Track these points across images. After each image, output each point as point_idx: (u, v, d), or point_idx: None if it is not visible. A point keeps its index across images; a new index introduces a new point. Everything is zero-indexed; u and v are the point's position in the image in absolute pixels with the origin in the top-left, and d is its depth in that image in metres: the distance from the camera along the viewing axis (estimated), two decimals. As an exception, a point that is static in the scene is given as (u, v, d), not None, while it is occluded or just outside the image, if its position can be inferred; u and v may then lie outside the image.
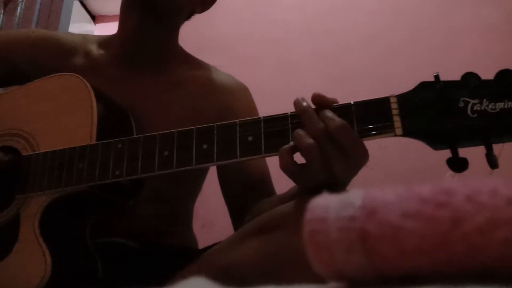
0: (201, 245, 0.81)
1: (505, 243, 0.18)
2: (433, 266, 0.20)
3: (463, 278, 0.19)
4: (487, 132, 0.47)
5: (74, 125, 0.66)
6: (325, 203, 0.22)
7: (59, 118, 0.68)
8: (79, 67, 0.81)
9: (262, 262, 0.52)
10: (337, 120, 0.50)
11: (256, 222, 0.58)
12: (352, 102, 0.52)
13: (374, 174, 1.09)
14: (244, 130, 0.55)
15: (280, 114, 0.55)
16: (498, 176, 0.21)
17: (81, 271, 0.64)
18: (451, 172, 0.48)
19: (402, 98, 0.51)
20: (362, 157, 0.51)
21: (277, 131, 0.54)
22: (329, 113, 0.51)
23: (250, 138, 0.55)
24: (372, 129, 0.51)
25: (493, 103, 0.47)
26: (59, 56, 0.83)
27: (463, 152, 0.48)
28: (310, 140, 0.50)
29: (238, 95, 0.87)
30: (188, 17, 0.86)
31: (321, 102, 0.53)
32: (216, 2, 0.88)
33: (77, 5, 2.79)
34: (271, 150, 0.54)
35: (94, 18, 3.10)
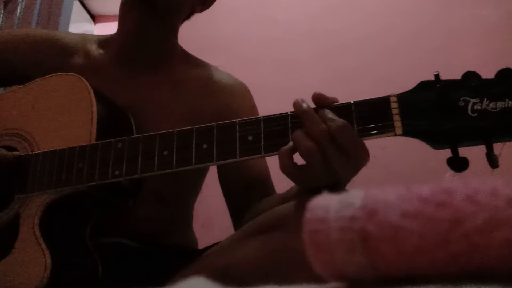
0: (201, 245, 0.81)
1: (505, 243, 0.18)
2: (433, 266, 0.20)
3: (463, 278, 0.19)
4: (488, 132, 0.47)
5: (74, 125, 0.66)
6: (325, 203, 0.22)
7: (58, 117, 0.68)
8: (78, 67, 0.81)
9: (262, 262, 0.52)
10: (338, 120, 0.50)
11: (256, 222, 0.58)
12: (352, 102, 0.52)
13: (374, 174, 1.09)
14: (243, 129, 0.55)
15: (280, 114, 0.55)
16: (498, 176, 0.21)
17: (81, 271, 0.64)
18: (451, 172, 0.48)
19: (402, 98, 0.51)
20: (363, 157, 0.51)
21: (277, 130, 0.54)
22: (329, 114, 0.51)
23: (250, 138, 0.55)
24: (372, 129, 0.51)
25: (494, 102, 0.47)
26: (59, 55, 0.83)
27: (463, 151, 0.48)
28: (310, 143, 0.50)
29: (238, 94, 0.87)
30: (188, 16, 0.86)
31: (321, 101, 0.53)
32: (217, 2, 0.88)
33: (77, 5, 2.79)
34: (271, 149, 0.54)
35: (94, 18, 3.10)
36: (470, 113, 0.47)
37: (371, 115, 0.51)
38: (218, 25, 2.12)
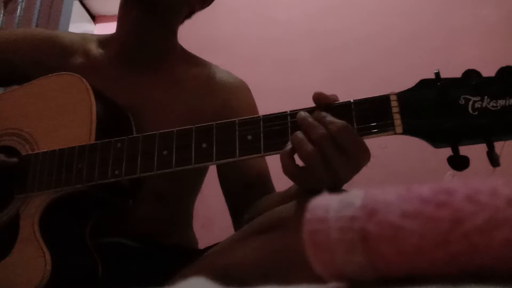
0: (201, 245, 0.81)
1: (505, 243, 0.18)
2: (433, 266, 0.20)
3: (463, 278, 0.19)
4: (488, 130, 0.47)
5: (74, 125, 0.66)
6: (325, 203, 0.22)
7: (58, 117, 0.68)
8: (78, 67, 0.81)
9: (262, 262, 0.52)
10: (338, 122, 0.50)
11: (256, 223, 0.58)
12: (352, 100, 0.52)
13: (375, 174, 1.09)
14: (243, 129, 0.55)
15: (279, 113, 0.55)
16: (499, 175, 0.21)
17: (81, 271, 0.64)
18: (451, 172, 0.48)
19: (402, 96, 0.50)
20: (363, 156, 0.51)
21: (277, 130, 0.54)
22: (328, 117, 0.51)
23: (249, 137, 0.54)
24: (372, 127, 0.51)
25: (495, 101, 0.46)
26: (59, 55, 0.83)
27: (464, 150, 0.48)
28: (309, 147, 0.49)
29: (239, 93, 0.87)
30: (188, 15, 0.86)
31: (321, 100, 0.53)
32: (217, 2, 0.88)
33: (77, 5, 2.79)
34: (271, 149, 0.53)
35: (94, 18, 3.10)
36: (470, 111, 0.47)
37: (371, 114, 0.51)
38: (218, 25, 2.12)
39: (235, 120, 0.56)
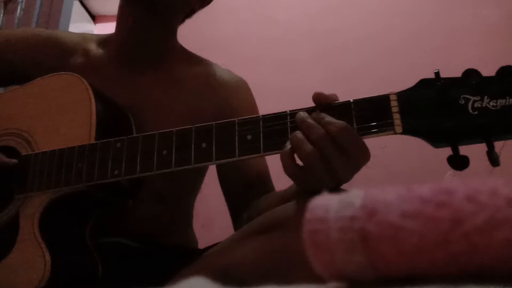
0: (201, 245, 0.81)
1: (505, 243, 0.18)
2: (433, 266, 0.20)
3: (463, 278, 0.19)
4: (488, 129, 0.46)
5: (73, 125, 0.66)
6: (325, 203, 0.22)
7: (58, 117, 0.68)
8: (78, 66, 0.81)
9: (262, 262, 0.52)
10: (337, 123, 0.50)
11: (256, 223, 0.58)
12: (351, 100, 0.52)
13: (375, 174, 1.09)
14: (242, 129, 0.55)
15: (279, 113, 0.55)
16: (499, 175, 0.21)
17: (81, 271, 0.64)
18: (451, 171, 0.48)
19: (402, 96, 0.50)
20: (363, 156, 0.51)
21: (276, 130, 0.54)
22: (328, 118, 0.51)
23: (249, 137, 0.54)
24: (372, 127, 0.51)
25: (494, 100, 0.46)
26: (59, 55, 0.83)
27: (464, 150, 0.48)
28: (309, 147, 0.49)
29: (239, 91, 0.87)
30: (188, 15, 0.86)
31: (321, 100, 0.53)
32: (217, 2, 0.88)
33: (77, 5, 2.79)
34: (270, 148, 0.53)
35: (94, 18, 3.10)
36: (470, 111, 0.47)
37: (371, 114, 0.51)
38: (218, 25, 2.11)
39: (235, 120, 0.56)
